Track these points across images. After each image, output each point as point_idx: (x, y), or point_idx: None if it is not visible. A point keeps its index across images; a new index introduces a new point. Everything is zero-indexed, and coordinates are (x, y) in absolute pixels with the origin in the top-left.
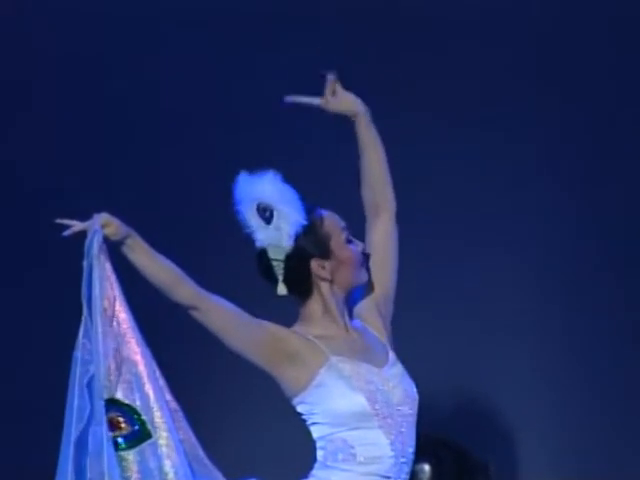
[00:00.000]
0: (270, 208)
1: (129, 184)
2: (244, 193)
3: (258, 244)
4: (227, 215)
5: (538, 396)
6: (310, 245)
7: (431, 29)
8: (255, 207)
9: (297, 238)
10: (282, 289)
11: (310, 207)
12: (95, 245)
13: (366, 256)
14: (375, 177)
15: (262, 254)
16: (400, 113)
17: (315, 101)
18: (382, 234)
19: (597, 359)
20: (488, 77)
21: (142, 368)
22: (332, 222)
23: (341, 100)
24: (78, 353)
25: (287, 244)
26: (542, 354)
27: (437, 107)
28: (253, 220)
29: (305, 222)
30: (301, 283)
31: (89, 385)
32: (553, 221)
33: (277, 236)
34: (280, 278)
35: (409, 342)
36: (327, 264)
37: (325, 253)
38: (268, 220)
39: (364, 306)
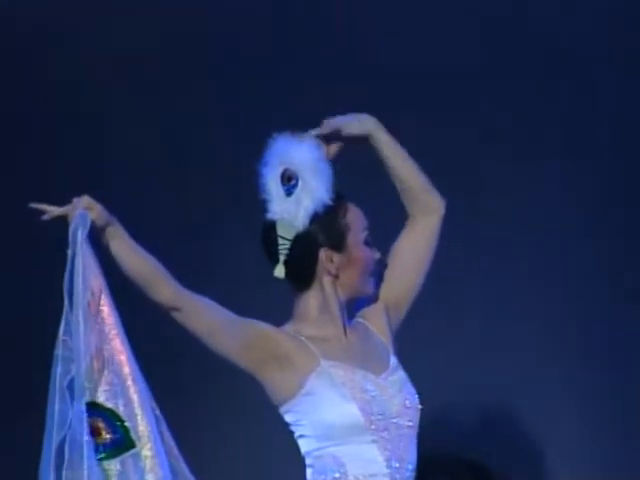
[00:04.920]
0: (296, 177)
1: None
2: (275, 153)
3: (270, 215)
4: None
5: (562, 410)
6: (325, 231)
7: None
8: (281, 173)
9: (314, 219)
10: (280, 271)
11: (339, 192)
12: (81, 230)
13: (382, 266)
14: (413, 190)
15: (270, 227)
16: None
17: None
18: (425, 232)
19: (626, 372)
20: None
21: (127, 370)
22: (356, 216)
23: (345, 132)
24: (59, 351)
25: (301, 223)
26: (567, 365)
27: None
28: (274, 187)
29: (329, 202)
30: (303, 270)
31: (70, 386)
32: (583, 237)
33: (294, 210)
34: (282, 259)
35: (427, 350)
36: (337, 257)
37: (338, 245)
38: (290, 191)
39: (372, 306)
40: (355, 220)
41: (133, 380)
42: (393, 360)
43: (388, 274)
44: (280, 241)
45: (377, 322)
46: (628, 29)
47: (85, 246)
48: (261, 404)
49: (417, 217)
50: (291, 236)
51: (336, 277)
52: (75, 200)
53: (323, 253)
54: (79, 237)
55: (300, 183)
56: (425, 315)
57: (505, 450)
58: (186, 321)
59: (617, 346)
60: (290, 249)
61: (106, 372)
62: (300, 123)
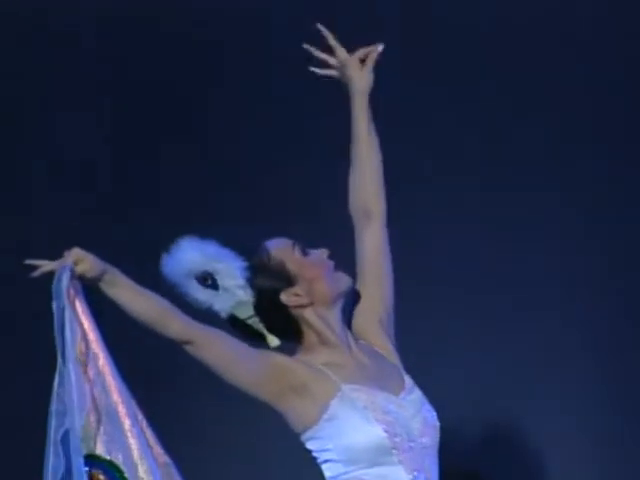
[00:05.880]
0: (208, 274)
1: None
2: (176, 276)
3: (223, 315)
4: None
5: (573, 431)
6: (269, 282)
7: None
8: (196, 282)
9: (252, 283)
10: (272, 340)
11: (248, 245)
12: (64, 283)
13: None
14: (369, 173)
15: (233, 321)
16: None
17: (342, 55)
18: (374, 243)
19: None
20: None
21: (124, 419)
22: (278, 247)
23: (365, 72)
24: (53, 406)
25: (247, 296)
26: (579, 387)
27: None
28: (202, 294)
29: (247, 264)
30: (286, 323)
31: (64, 440)
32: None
33: (232, 295)
34: (264, 332)
35: (436, 368)
36: (297, 289)
37: (289, 280)
38: (214, 286)
39: (367, 326)
40: (280, 250)
41: (131, 428)
42: (408, 379)
43: (363, 291)
44: (250, 322)
45: (380, 342)
46: None
47: (72, 297)
48: (275, 436)
49: (363, 226)
50: (251, 311)
51: (312, 303)
52: (65, 253)
53: (285, 297)
54: (63, 290)
55: (215, 275)
56: (437, 330)
57: (509, 467)
58: (199, 353)
59: (621, 362)
60: (262, 319)
61: (103, 424)
62: None
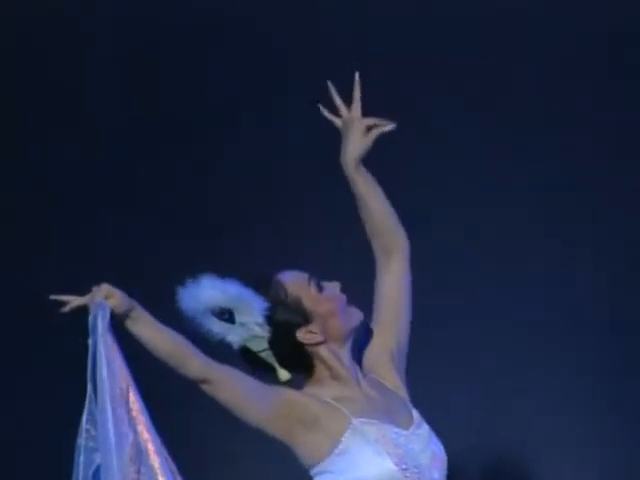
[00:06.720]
0: (226, 309)
1: None
2: (192, 309)
3: (236, 346)
4: None
5: (573, 431)
6: (286, 319)
7: None
8: (211, 315)
9: (269, 320)
10: (284, 374)
11: (264, 281)
12: (100, 321)
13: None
14: (380, 223)
15: (246, 353)
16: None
17: (354, 112)
18: (394, 279)
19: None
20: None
21: (154, 457)
22: (294, 282)
23: (367, 139)
24: (81, 441)
25: (263, 332)
26: (579, 387)
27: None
28: (217, 327)
29: (265, 302)
30: (299, 358)
31: (95, 476)
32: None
33: (249, 329)
34: (276, 365)
35: (441, 402)
36: (313, 327)
37: (305, 317)
38: (231, 320)
39: (378, 361)
40: (297, 286)
41: (160, 467)
42: (415, 414)
43: (378, 326)
44: (262, 355)
45: (389, 377)
46: None
47: (108, 336)
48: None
49: (384, 263)
50: (265, 345)
51: (325, 341)
52: (94, 289)
53: (300, 334)
54: (99, 327)
55: (233, 311)
56: (444, 364)
57: (508, 467)
58: (215, 392)
59: (621, 362)
60: (275, 353)
61: (137, 461)
62: None
